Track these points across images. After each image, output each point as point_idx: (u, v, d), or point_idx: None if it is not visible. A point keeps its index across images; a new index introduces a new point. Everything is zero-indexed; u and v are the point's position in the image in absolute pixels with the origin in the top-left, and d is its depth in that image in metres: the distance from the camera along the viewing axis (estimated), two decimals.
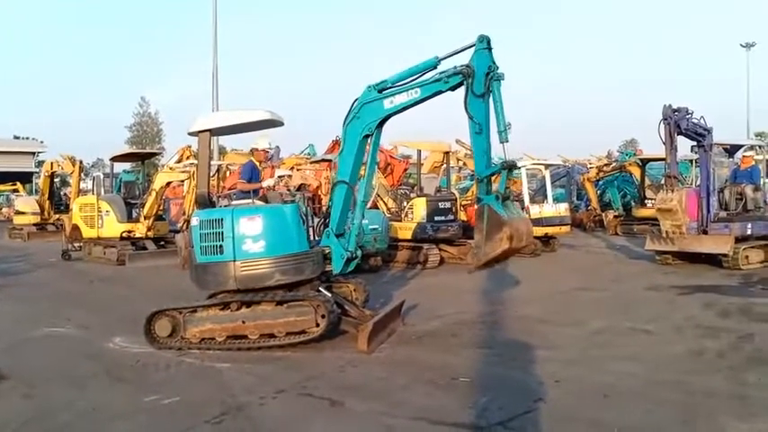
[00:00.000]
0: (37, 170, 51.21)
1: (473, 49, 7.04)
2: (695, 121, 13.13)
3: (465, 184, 24.53)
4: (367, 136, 7.59)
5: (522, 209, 14.97)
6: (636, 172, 23.08)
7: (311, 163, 24.11)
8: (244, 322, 7.24)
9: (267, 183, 9.05)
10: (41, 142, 63.86)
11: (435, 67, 7.26)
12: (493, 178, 7.44)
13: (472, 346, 7.35)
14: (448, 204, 14.98)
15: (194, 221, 7.60)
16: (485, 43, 6.96)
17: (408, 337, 7.76)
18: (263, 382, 6.10)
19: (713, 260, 13.24)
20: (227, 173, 23.82)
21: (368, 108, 7.48)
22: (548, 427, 4.87)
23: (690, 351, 6.97)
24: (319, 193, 21.15)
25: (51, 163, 26.10)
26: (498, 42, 7.00)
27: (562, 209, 17.89)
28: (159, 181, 17.06)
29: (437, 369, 6.37)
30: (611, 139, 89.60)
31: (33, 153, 60.72)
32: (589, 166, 27.79)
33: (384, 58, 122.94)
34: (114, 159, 19.72)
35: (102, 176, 20.11)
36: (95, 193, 17.98)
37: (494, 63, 6.92)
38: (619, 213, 23.64)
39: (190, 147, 19.95)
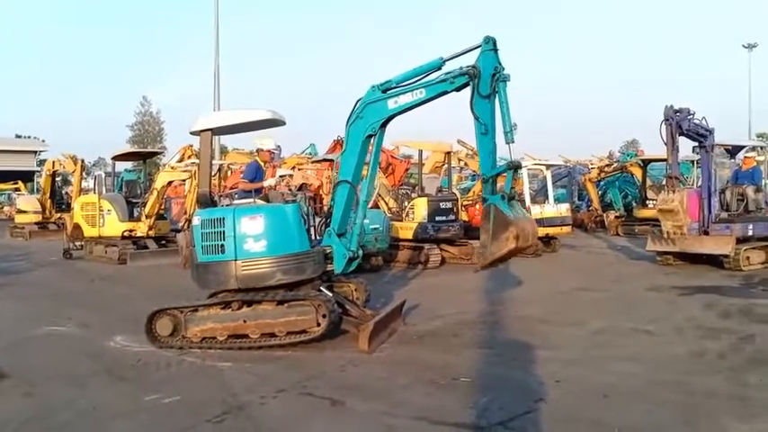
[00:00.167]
0: (38, 169, 51.21)
1: (478, 50, 7.05)
2: (697, 121, 13.12)
3: (466, 185, 24.55)
4: (370, 136, 7.59)
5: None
6: (637, 172, 23.07)
7: (312, 162, 24.14)
8: (245, 321, 7.24)
9: (268, 182, 9.05)
10: (43, 141, 63.89)
11: (440, 68, 7.26)
12: (498, 178, 7.44)
13: (473, 346, 7.35)
14: (449, 204, 14.98)
15: (196, 221, 7.61)
16: (491, 44, 6.96)
17: (409, 337, 7.76)
18: (264, 381, 6.11)
19: (714, 261, 13.23)
20: (229, 172, 23.86)
21: (371, 108, 7.47)
22: (548, 427, 4.87)
23: (691, 352, 6.97)
24: (320, 192, 21.19)
25: (53, 162, 26.13)
26: (498, 42, 7.01)
27: (563, 209, 17.88)
28: (161, 180, 17.07)
29: (438, 369, 6.37)
30: (613, 140, 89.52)
31: (35, 152, 60.72)
32: (590, 166, 27.81)
33: (384, 58, 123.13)
34: (116, 158, 19.72)
35: (103, 175, 20.16)
36: (97, 192, 18.00)
37: (500, 64, 6.93)
38: (620, 214, 23.64)
39: (191, 146, 19.96)
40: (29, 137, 67.20)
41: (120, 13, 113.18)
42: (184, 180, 17.57)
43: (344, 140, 7.80)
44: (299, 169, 24.51)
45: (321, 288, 7.60)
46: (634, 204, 23.12)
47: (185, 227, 15.70)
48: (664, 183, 16.26)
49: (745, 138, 38.65)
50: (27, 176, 51.81)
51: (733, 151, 15.69)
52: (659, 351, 7.04)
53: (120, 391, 5.98)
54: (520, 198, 16.20)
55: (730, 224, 13.25)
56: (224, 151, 35.22)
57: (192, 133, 8.05)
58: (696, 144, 13.86)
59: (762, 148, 19.45)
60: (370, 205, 12.92)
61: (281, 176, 19.39)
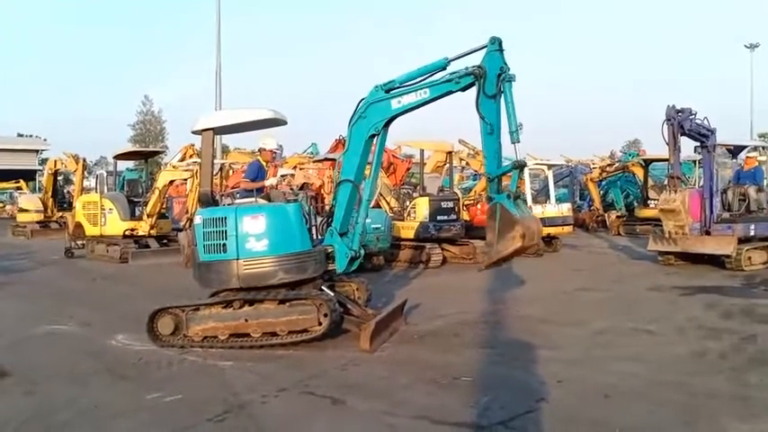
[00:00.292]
0: (40, 168, 51.25)
1: (483, 50, 7.05)
2: (699, 121, 13.11)
3: (468, 184, 24.55)
4: (373, 135, 7.59)
5: None
6: (639, 172, 23.06)
7: (314, 162, 24.14)
8: (246, 320, 7.25)
9: (270, 181, 9.05)
10: (45, 140, 63.95)
11: (444, 68, 7.27)
12: (502, 177, 7.46)
13: (474, 346, 7.35)
14: (450, 204, 14.98)
15: (197, 220, 7.61)
16: (497, 45, 6.98)
17: (410, 337, 7.76)
18: (266, 380, 6.11)
19: (716, 261, 13.22)
20: (230, 171, 23.86)
21: (375, 108, 7.47)
22: (549, 427, 4.87)
23: (692, 352, 6.97)
24: (322, 192, 21.19)
25: (55, 161, 26.17)
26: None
27: (565, 209, 17.88)
28: (162, 179, 17.07)
29: (439, 368, 6.37)
30: (614, 140, 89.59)
31: (37, 151, 60.74)
32: (592, 166, 27.78)
33: (384, 58, 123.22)
34: (117, 157, 19.73)
35: (105, 174, 20.14)
36: (98, 191, 18.03)
37: (505, 64, 6.94)
38: (621, 214, 23.64)
39: (193, 145, 19.95)
40: (31, 136, 67.33)
41: (121, 12, 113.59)
42: (186, 179, 17.59)
43: (347, 140, 7.80)
44: (300, 169, 24.53)
45: (323, 287, 7.61)
46: (635, 204, 23.12)
47: (187, 226, 15.71)
48: (665, 183, 16.24)
49: (747, 138, 38.57)
50: (29, 175, 51.82)
51: (735, 151, 15.68)
52: (660, 351, 7.03)
53: (122, 389, 5.99)
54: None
55: (732, 224, 13.24)
56: (225, 150, 35.26)
57: (194, 132, 8.06)
58: (698, 144, 13.86)
59: (764, 148, 19.44)
60: (371, 205, 12.92)
61: (282, 176, 19.39)
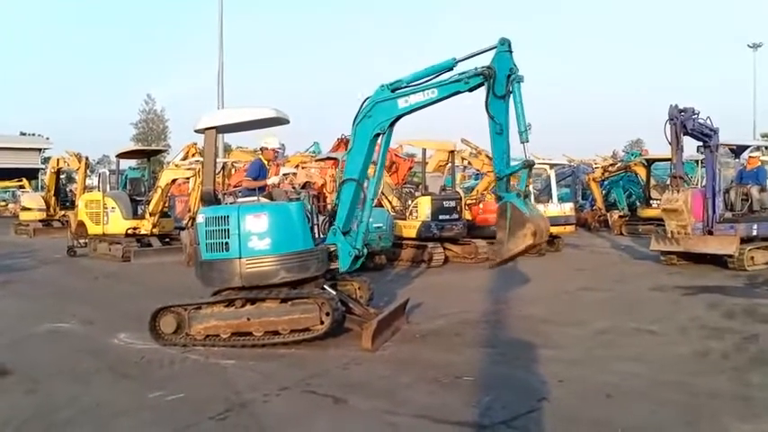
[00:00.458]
0: (43, 167, 51.36)
1: (491, 51, 7.08)
2: (701, 121, 13.10)
3: (470, 183, 24.51)
4: (377, 135, 7.60)
5: None
6: (641, 172, 23.01)
7: (316, 161, 24.12)
8: (248, 319, 7.25)
9: (272, 180, 9.05)
10: (47, 139, 64.10)
11: (451, 69, 7.28)
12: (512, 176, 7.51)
13: (476, 345, 7.35)
14: (452, 203, 14.97)
15: (200, 218, 7.62)
16: (506, 46, 7.01)
17: (412, 336, 7.77)
18: (267, 379, 6.11)
19: (718, 261, 13.21)
20: (233, 170, 23.86)
21: (380, 107, 7.47)
22: (551, 427, 4.86)
23: (694, 352, 6.96)
24: (324, 191, 21.18)
25: (57, 159, 26.20)
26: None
27: (567, 208, 17.88)
28: (165, 178, 17.10)
29: (441, 368, 6.37)
30: (617, 139, 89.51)
31: (39, 149, 60.88)
32: (594, 165, 27.74)
33: (384, 58, 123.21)
34: (120, 156, 19.75)
35: (107, 173, 20.15)
36: (101, 189, 18.01)
37: (515, 65, 6.97)
38: (624, 213, 23.63)
39: (195, 144, 19.96)
40: (33, 135, 67.43)
41: (121, 12, 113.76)
42: (188, 178, 17.61)
43: (351, 139, 7.79)
44: (302, 167, 24.50)
45: (325, 286, 7.61)
46: (638, 204, 23.09)
47: (189, 225, 15.73)
48: (668, 182, 16.22)
49: (750, 137, 38.61)
50: (31, 174, 52.01)
51: (737, 151, 15.68)
52: (662, 351, 7.03)
53: (124, 388, 6.00)
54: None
55: (734, 224, 13.23)
56: (228, 149, 35.27)
57: (197, 131, 8.06)
58: (701, 144, 13.85)
59: (766, 147, 19.42)
60: (373, 204, 12.93)
61: (284, 175, 19.40)
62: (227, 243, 7.32)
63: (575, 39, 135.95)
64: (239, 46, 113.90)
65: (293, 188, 13.67)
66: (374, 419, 5.09)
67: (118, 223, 16.71)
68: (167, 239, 17.39)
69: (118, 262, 15.93)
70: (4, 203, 44.12)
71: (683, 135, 12.89)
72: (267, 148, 9.30)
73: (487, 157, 17.62)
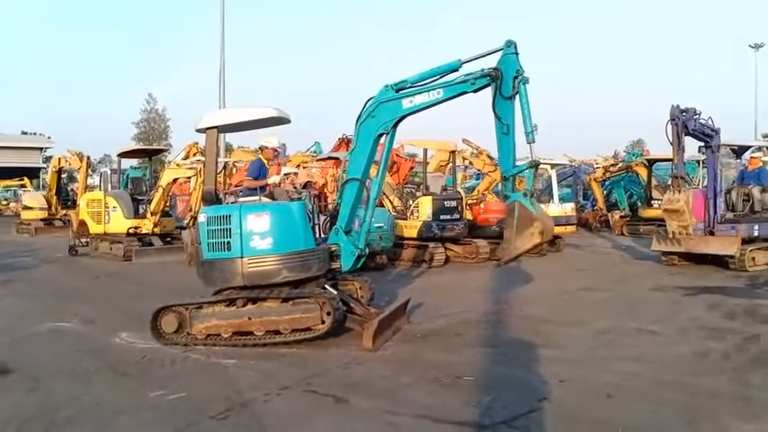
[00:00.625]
0: (44, 166, 51.45)
1: (496, 53, 7.13)
2: (703, 121, 13.09)
3: (471, 183, 24.51)
4: (381, 135, 7.61)
5: None
6: (642, 172, 23.00)
7: (317, 161, 24.12)
8: (250, 319, 7.26)
9: (273, 179, 9.06)
10: (49, 138, 64.16)
11: (456, 70, 7.31)
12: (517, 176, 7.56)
13: (476, 345, 7.35)
14: (453, 203, 14.97)
15: (201, 218, 7.62)
16: (513, 48, 7.05)
17: (413, 336, 7.77)
18: (268, 378, 6.12)
19: (719, 261, 13.21)
20: (234, 170, 23.87)
21: (384, 107, 7.48)
22: (552, 427, 4.87)
23: (695, 352, 6.96)
24: (325, 190, 21.17)
25: (59, 158, 26.21)
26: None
27: (568, 209, 17.88)
28: (166, 177, 17.11)
29: (441, 367, 6.38)
30: (618, 139, 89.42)
31: (41, 149, 60.99)
32: (595, 165, 27.73)
33: (384, 58, 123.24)
34: (121, 155, 19.76)
35: (109, 172, 20.19)
36: (102, 188, 18.03)
37: (521, 67, 7.02)
38: (625, 214, 23.61)
39: (197, 143, 19.97)
40: (35, 134, 67.50)
41: (121, 12, 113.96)
42: (189, 177, 17.62)
43: (354, 139, 7.79)
44: (303, 167, 24.51)
45: (326, 286, 7.61)
46: (639, 204, 23.07)
47: (190, 224, 15.74)
48: (669, 183, 16.22)
49: (751, 138, 38.58)
50: (33, 173, 52.11)
51: (739, 151, 15.65)
52: (663, 351, 7.03)
53: (125, 387, 6.00)
54: None
55: (736, 224, 13.21)
56: (229, 149, 35.28)
57: (198, 131, 8.07)
58: (702, 144, 13.85)
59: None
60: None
61: (285, 174, 19.39)
62: (228, 242, 7.33)
63: (575, 39, 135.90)
64: (240, 46, 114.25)
65: (294, 188, 13.68)
66: (375, 419, 5.10)
67: (119, 222, 16.71)
68: (168, 239, 17.40)
69: (119, 261, 15.94)
70: (5, 202, 44.14)
71: (685, 135, 12.89)
72: (267, 148, 9.31)
73: (488, 157, 17.66)
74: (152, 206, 16.77)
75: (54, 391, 5.89)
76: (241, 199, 8.20)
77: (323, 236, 7.97)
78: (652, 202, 21.59)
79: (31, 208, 26.42)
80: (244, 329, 7.27)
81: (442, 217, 14.61)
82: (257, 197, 8.07)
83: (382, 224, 13.38)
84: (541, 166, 18.52)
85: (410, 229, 14.76)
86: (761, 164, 15.12)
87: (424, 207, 14.66)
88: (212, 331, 7.34)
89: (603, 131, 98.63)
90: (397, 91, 7.45)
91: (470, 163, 19.95)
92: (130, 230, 16.69)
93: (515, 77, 6.95)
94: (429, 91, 7.32)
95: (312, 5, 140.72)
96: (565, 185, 26.50)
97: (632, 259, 15.75)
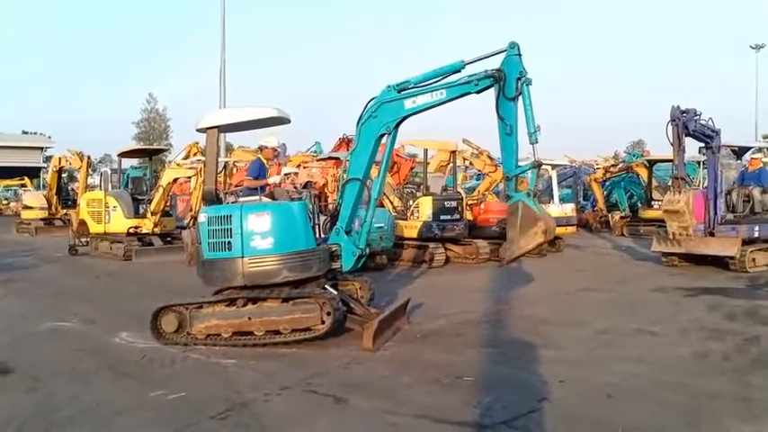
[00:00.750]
0: (45, 165, 51.46)
1: (498, 54, 7.17)
2: (703, 122, 13.09)
3: (471, 184, 24.50)
4: (382, 135, 7.61)
5: None
6: (643, 173, 23.00)
7: (318, 161, 24.13)
8: (250, 319, 7.26)
9: (273, 179, 9.06)
10: (49, 138, 64.21)
11: (459, 71, 7.34)
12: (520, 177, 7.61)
13: (477, 346, 7.35)
14: (454, 203, 14.97)
15: (202, 218, 7.62)
16: (516, 49, 7.09)
17: (413, 336, 7.77)
18: (268, 378, 6.12)
19: (720, 262, 13.20)
20: (234, 169, 23.87)
21: (387, 107, 7.48)
22: (552, 427, 4.87)
23: (695, 353, 6.96)
24: (325, 190, 21.17)
25: (59, 158, 26.19)
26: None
27: (568, 209, 17.90)
28: (166, 177, 17.12)
29: (442, 368, 6.38)
30: (618, 140, 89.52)
31: (41, 148, 61.02)
32: (596, 166, 27.73)
33: (384, 58, 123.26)
34: (122, 155, 19.77)
35: (109, 172, 20.20)
36: (103, 188, 18.05)
37: (524, 68, 7.05)
38: (625, 214, 23.60)
39: (197, 143, 19.98)
40: (35, 133, 67.53)
41: (121, 12, 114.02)
42: (190, 177, 17.61)
43: (355, 139, 7.79)
44: (304, 167, 24.51)
45: (326, 286, 7.61)
46: (639, 205, 23.06)
47: (190, 224, 15.74)
48: (669, 183, 16.22)
49: (752, 139, 38.60)
50: (33, 173, 52.11)
51: (739, 152, 15.65)
52: (663, 352, 7.03)
53: (125, 387, 6.00)
54: None
55: (736, 225, 13.21)
56: (229, 149, 35.28)
57: (199, 130, 8.07)
58: (702, 145, 13.84)
59: None
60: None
61: (285, 174, 19.39)
62: (229, 242, 7.33)
63: (575, 39, 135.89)
64: (240, 46, 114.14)
65: (295, 188, 13.68)
66: (375, 419, 5.10)
67: (119, 222, 16.71)
68: (169, 238, 17.40)
69: (119, 261, 15.95)
70: (6, 202, 44.18)
71: (685, 136, 12.89)
72: (266, 147, 9.31)
73: (489, 157, 17.66)
74: (152, 206, 16.78)
75: (54, 391, 5.89)
76: (242, 199, 8.20)
77: (323, 236, 7.97)
78: (652, 202, 21.58)
79: (31, 207, 26.42)
80: (244, 329, 7.27)
81: (442, 217, 14.61)
82: (258, 197, 8.07)
83: (382, 224, 13.38)
84: (542, 166, 18.60)
85: (410, 229, 14.76)
86: (761, 165, 15.12)
87: (425, 207, 14.66)
88: (212, 331, 7.33)
89: (604, 132, 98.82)
90: (399, 91, 7.46)
91: (471, 163, 19.95)
92: (130, 230, 16.69)
93: (518, 79, 6.99)
94: (432, 92, 7.34)
95: (312, 5, 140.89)
96: (565, 186, 26.50)
97: (632, 260, 15.75)
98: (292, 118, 8.23)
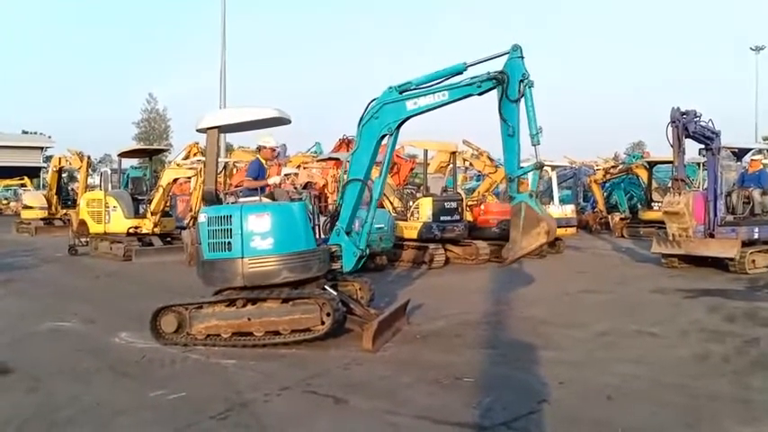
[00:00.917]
0: (45, 165, 51.46)
1: (501, 57, 7.20)
2: (703, 123, 13.09)
3: (471, 185, 24.52)
4: (383, 136, 7.62)
5: None
6: (643, 174, 23.01)
7: (318, 161, 24.14)
8: (249, 319, 7.26)
9: (273, 180, 9.06)
10: (49, 137, 64.20)
11: (461, 73, 7.36)
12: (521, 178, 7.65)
13: (476, 347, 7.36)
14: (454, 204, 14.97)
15: (202, 218, 7.62)
16: (519, 52, 7.13)
17: (413, 337, 7.77)
18: (268, 379, 6.12)
19: (719, 264, 13.19)
20: (234, 170, 23.89)
21: (388, 109, 7.50)
22: (551, 428, 4.87)
23: (695, 354, 6.96)
24: (325, 191, 21.18)
25: (59, 158, 26.21)
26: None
27: (568, 210, 17.89)
28: (166, 177, 17.12)
29: (441, 368, 6.37)
30: (618, 141, 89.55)
31: (41, 148, 61.01)
32: (596, 167, 27.74)
33: (384, 58, 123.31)
34: (122, 155, 19.76)
35: (109, 172, 20.21)
36: (103, 188, 18.05)
37: (526, 71, 7.09)
38: (625, 216, 23.61)
39: (197, 143, 19.99)
40: (35, 133, 67.53)
41: (121, 12, 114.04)
42: (190, 177, 17.62)
43: (356, 140, 7.80)
44: (304, 168, 24.53)
45: (326, 287, 7.62)
46: (639, 206, 23.06)
47: (190, 224, 15.74)
48: (669, 185, 16.22)
49: (752, 140, 38.59)
50: (33, 172, 52.12)
51: (739, 154, 15.67)
52: (663, 353, 7.03)
53: (125, 387, 6.00)
54: None
55: (736, 227, 13.21)
56: (229, 149, 35.28)
57: (199, 131, 8.07)
58: (702, 146, 13.84)
59: None
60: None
61: (285, 175, 19.39)
62: (229, 243, 7.33)
63: (575, 39, 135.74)
64: (240, 46, 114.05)
65: (295, 188, 13.68)
66: (375, 420, 5.10)
67: (119, 222, 16.71)
68: (168, 239, 17.40)
69: (119, 261, 15.94)
70: (6, 202, 44.19)
71: (685, 137, 12.89)
72: (265, 148, 9.31)
73: (489, 158, 17.66)
74: (152, 206, 16.78)
75: (54, 390, 5.89)
76: (242, 199, 8.20)
77: (323, 237, 7.97)
78: (652, 204, 21.58)
79: (31, 207, 26.43)
80: (243, 330, 7.27)
81: (442, 218, 14.61)
82: (258, 197, 8.07)
83: (382, 225, 13.37)
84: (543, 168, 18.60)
85: (410, 230, 14.76)
86: (761, 166, 15.14)
87: (425, 208, 14.66)
88: (212, 331, 7.33)
89: (604, 133, 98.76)
90: (401, 92, 7.47)
91: (471, 164, 19.95)
92: (130, 230, 16.69)
93: (521, 81, 7.03)
94: (434, 93, 7.37)
95: (312, 5, 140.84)
96: (565, 187, 26.52)
97: (632, 261, 15.74)
98: (292, 118, 8.24)
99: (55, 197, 26.29)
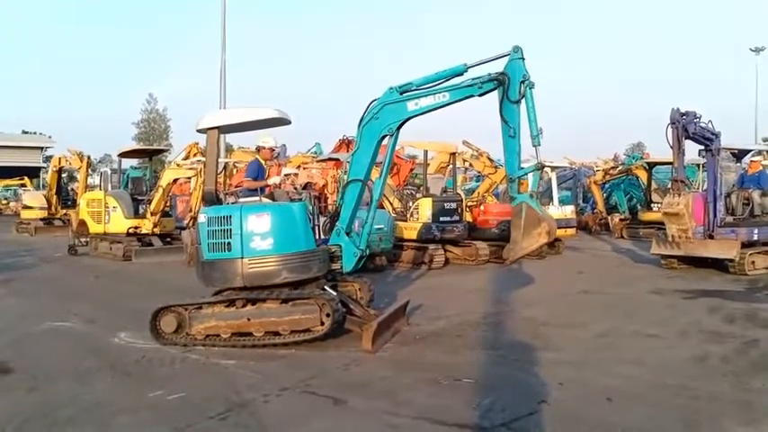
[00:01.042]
0: (45, 165, 51.46)
1: (503, 58, 7.23)
2: (703, 125, 13.09)
3: (471, 185, 24.52)
4: (384, 137, 7.63)
5: None
6: (642, 175, 23.02)
7: (318, 162, 24.15)
8: (249, 320, 7.26)
9: (273, 180, 9.07)
10: (50, 137, 64.18)
11: (462, 74, 7.39)
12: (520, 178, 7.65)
13: (476, 347, 7.36)
14: (454, 205, 14.97)
15: (202, 218, 7.62)
16: (519, 53, 7.16)
17: (413, 337, 7.77)
18: (268, 379, 6.12)
19: (719, 265, 13.20)
20: (234, 170, 23.89)
21: (389, 109, 7.51)
22: (551, 429, 4.87)
23: (694, 356, 6.96)
24: (325, 191, 21.19)
25: (59, 158, 26.23)
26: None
27: (568, 211, 17.89)
28: (166, 177, 17.12)
29: (441, 369, 6.37)
30: (618, 142, 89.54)
31: (41, 148, 60.99)
32: (595, 168, 27.76)
33: (384, 58, 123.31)
34: (122, 155, 19.77)
35: (109, 172, 20.21)
36: (102, 188, 18.05)
37: (527, 72, 7.12)
38: (625, 217, 23.62)
39: (197, 144, 19.99)
40: (35, 133, 67.52)
41: (121, 12, 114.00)
42: (190, 178, 17.62)
43: (357, 140, 7.81)
44: (304, 168, 24.55)
45: (325, 287, 7.62)
46: (639, 207, 23.07)
47: (190, 224, 15.74)
48: (669, 186, 16.23)
49: (752, 142, 38.57)
50: (33, 172, 52.13)
51: (739, 155, 15.65)
52: (663, 354, 7.03)
53: (124, 387, 6.01)
54: None
55: (735, 228, 13.22)
56: (229, 149, 35.29)
57: (199, 131, 8.07)
58: (702, 147, 13.84)
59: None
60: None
61: (285, 175, 19.40)
62: (229, 243, 7.33)
63: (575, 40, 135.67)
64: (240, 46, 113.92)
65: (295, 189, 13.69)
66: (374, 420, 5.10)
67: (119, 222, 16.72)
68: (168, 239, 17.41)
69: (119, 261, 15.94)
70: (5, 202, 44.18)
71: (685, 139, 12.89)
72: (264, 148, 9.31)
73: (489, 159, 17.67)
74: (152, 206, 16.78)
75: (54, 390, 5.90)
76: (241, 199, 8.21)
77: (323, 237, 7.97)
78: (652, 205, 21.59)
79: (31, 207, 26.44)
80: (243, 330, 7.27)
81: (441, 219, 14.62)
82: (258, 198, 8.07)
83: (382, 225, 13.38)
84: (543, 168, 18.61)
85: (410, 230, 14.77)
86: (761, 168, 15.13)
87: (424, 209, 14.66)
88: (211, 332, 7.34)
89: (603, 134, 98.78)
90: (401, 93, 7.48)
91: (471, 165, 19.96)
92: (130, 230, 16.70)
93: (522, 82, 7.06)
94: (435, 94, 7.39)
95: (312, 5, 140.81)
96: (565, 188, 26.52)
97: (632, 262, 15.75)
98: (292, 118, 8.24)
99: (55, 197, 26.30)
